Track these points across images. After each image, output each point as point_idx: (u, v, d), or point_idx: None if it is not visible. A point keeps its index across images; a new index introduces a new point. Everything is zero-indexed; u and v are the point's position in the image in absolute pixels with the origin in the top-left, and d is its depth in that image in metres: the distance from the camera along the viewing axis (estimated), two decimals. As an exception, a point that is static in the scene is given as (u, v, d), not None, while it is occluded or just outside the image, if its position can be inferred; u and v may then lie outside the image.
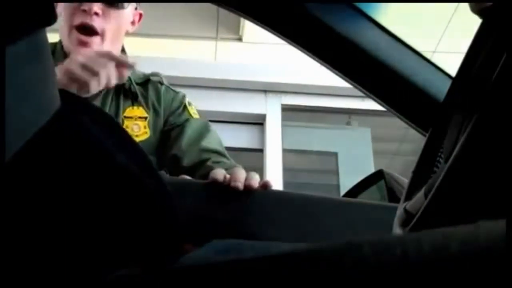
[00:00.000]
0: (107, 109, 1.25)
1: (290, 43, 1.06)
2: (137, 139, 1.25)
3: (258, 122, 3.80)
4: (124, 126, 1.25)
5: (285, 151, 3.69)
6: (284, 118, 3.80)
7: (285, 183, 3.49)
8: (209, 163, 1.22)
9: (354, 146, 3.94)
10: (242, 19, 3.46)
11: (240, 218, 0.99)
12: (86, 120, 0.51)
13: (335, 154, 3.92)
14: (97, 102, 1.26)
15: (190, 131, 1.30)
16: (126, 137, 0.56)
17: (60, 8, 1.25)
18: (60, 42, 1.31)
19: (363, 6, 1.03)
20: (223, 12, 1.19)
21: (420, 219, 0.54)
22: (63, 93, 0.45)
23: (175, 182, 1.08)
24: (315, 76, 3.56)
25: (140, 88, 1.34)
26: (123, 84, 1.29)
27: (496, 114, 0.43)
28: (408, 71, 1.03)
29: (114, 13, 1.23)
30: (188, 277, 0.25)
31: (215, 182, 0.99)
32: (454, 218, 0.48)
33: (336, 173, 3.83)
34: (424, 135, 1.00)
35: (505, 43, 0.48)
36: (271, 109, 3.80)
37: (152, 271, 0.25)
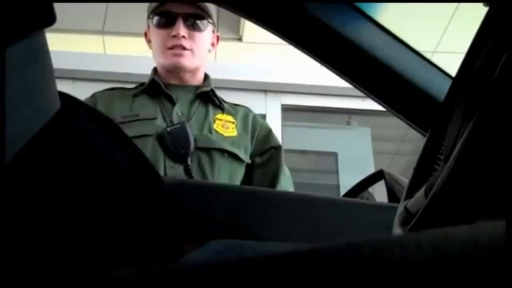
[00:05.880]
0: (194, 109, 1.50)
1: (290, 43, 1.06)
2: (226, 134, 1.47)
3: (258, 122, 3.79)
4: (214, 124, 1.48)
5: (285, 151, 3.68)
6: (284, 118, 3.80)
7: (285, 183, 3.48)
8: None
9: (354, 146, 3.94)
10: (242, 19, 3.46)
11: (240, 218, 0.99)
12: (86, 121, 0.51)
13: (335, 154, 3.92)
14: (186, 100, 1.50)
15: (279, 188, 1.47)
16: (125, 139, 0.56)
17: (150, 35, 1.57)
18: (152, 74, 1.57)
19: (363, 6, 1.03)
20: (223, 12, 1.19)
21: (420, 218, 0.54)
22: (63, 94, 0.45)
23: (175, 182, 1.08)
24: (315, 76, 3.56)
25: (229, 106, 1.59)
26: (212, 99, 1.56)
27: (496, 114, 0.43)
28: (408, 71, 1.03)
29: (197, 35, 1.52)
30: (187, 277, 0.25)
31: None
32: (454, 218, 0.48)
33: (336, 173, 3.83)
34: (424, 135, 1.00)
35: (505, 43, 0.48)
36: (271, 109, 3.80)
37: (151, 271, 0.25)
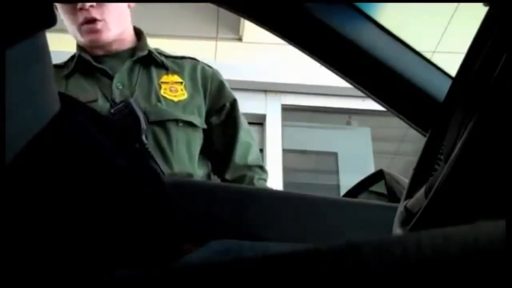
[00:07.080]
0: (135, 77, 1.36)
1: (290, 43, 1.06)
2: (176, 99, 1.36)
3: (258, 122, 3.80)
4: (161, 90, 1.36)
5: (285, 151, 3.69)
6: (284, 118, 3.80)
7: (285, 183, 3.49)
8: (255, 180, 1.41)
9: (354, 146, 3.94)
10: (242, 19, 3.46)
11: (240, 218, 0.99)
12: (85, 122, 0.51)
13: (335, 154, 3.92)
14: (124, 70, 1.36)
15: (239, 145, 1.43)
16: (125, 139, 0.56)
17: (60, 10, 1.36)
18: (77, 50, 1.42)
19: (363, 6, 1.03)
20: (223, 12, 1.20)
21: (420, 218, 0.54)
22: (63, 95, 0.45)
23: (175, 182, 1.08)
24: (315, 76, 3.55)
25: (173, 63, 1.44)
26: (154, 58, 1.40)
27: (496, 114, 0.43)
28: (408, 71, 1.03)
29: None
30: (188, 277, 0.25)
31: None
32: (454, 218, 0.48)
33: (336, 173, 3.83)
34: (424, 135, 1.00)
35: (505, 43, 0.48)
36: (271, 109, 3.80)
37: (152, 272, 0.25)
